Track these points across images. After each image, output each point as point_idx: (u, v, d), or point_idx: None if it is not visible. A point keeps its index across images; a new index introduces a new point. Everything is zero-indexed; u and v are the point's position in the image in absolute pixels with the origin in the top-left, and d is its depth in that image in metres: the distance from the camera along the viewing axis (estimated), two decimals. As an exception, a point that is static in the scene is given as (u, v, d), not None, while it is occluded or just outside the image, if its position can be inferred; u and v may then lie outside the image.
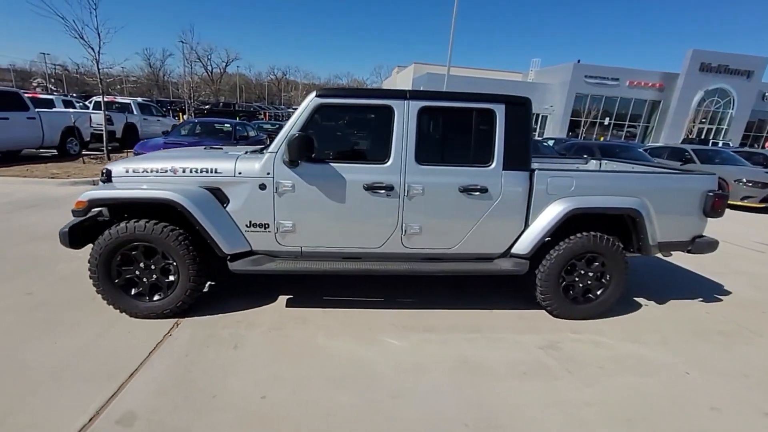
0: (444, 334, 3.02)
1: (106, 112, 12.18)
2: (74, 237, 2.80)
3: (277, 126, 15.10)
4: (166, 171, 2.91)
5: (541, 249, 3.19)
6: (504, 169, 3.05)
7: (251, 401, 2.18)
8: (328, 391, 2.30)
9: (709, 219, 3.43)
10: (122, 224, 2.75)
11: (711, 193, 3.31)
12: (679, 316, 3.55)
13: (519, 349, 2.87)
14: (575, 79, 33.67)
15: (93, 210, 3.03)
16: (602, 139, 32.50)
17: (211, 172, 2.90)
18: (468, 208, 3.05)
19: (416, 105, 2.93)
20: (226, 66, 75.50)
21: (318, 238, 3.05)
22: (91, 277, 2.81)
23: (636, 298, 3.88)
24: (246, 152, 3.15)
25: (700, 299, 3.95)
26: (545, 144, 10.53)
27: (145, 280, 2.89)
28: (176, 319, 2.95)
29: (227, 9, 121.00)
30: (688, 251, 3.46)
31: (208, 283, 3.60)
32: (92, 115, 11.66)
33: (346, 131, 3.14)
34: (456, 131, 3.12)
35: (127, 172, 2.93)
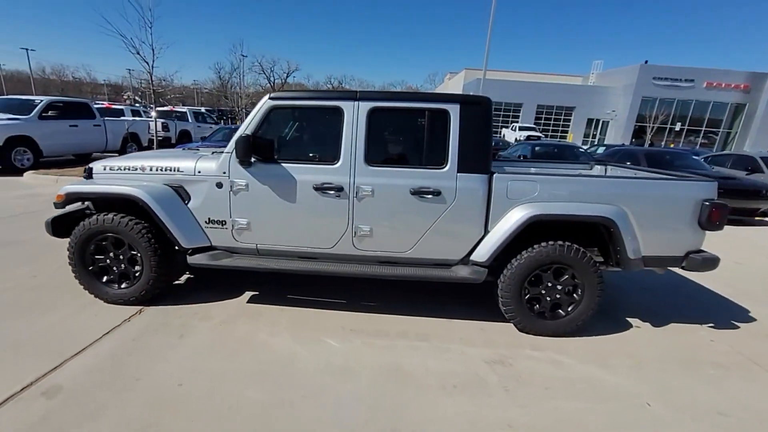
0: (390, 339, 2.94)
1: (164, 120, 13.50)
2: (57, 227, 3.14)
3: None
4: (137, 169, 3.16)
5: (504, 257, 3.00)
6: (459, 171, 2.92)
7: (167, 387, 2.28)
8: (244, 385, 2.34)
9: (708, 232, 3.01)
10: (94, 216, 3.03)
11: (707, 203, 2.90)
12: (671, 342, 3.13)
13: (462, 362, 2.71)
14: (642, 81, 31.16)
15: (83, 203, 3.39)
16: (672, 146, 29.61)
17: (174, 170, 3.11)
18: (420, 211, 2.96)
19: (366, 106, 2.91)
20: (287, 77, 79.71)
21: (272, 237, 3.12)
22: (69, 264, 3.13)
23: (630, 318, 3.49)
24: (213, 152, 3.33)
25: (710, 324, 3.45)
26: (580, 150, 9.82)
27: (115, 268, 3.15)
28: (141, 307, 3.17)
29: (288, 21, 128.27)
30: (682, 268, 3.06)
31: (186, 276, 3.83)
32: (150, 123, 12.89)
33: (299, 132, 3.20)
34: (408, 132, 3.05)
35: (104, 169, 3.23)
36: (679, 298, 4.03)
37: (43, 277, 3.65)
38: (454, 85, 49.63)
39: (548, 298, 3.06)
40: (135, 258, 3.12)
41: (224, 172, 3.03)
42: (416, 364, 2.65)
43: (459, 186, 2.92)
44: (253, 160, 2.97)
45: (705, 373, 2.75)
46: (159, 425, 2.00)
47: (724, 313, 3.70)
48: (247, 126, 2.98)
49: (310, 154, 3.11)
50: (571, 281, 3.02)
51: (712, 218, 2.90)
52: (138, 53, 9.96)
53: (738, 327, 3.46)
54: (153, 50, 10.09)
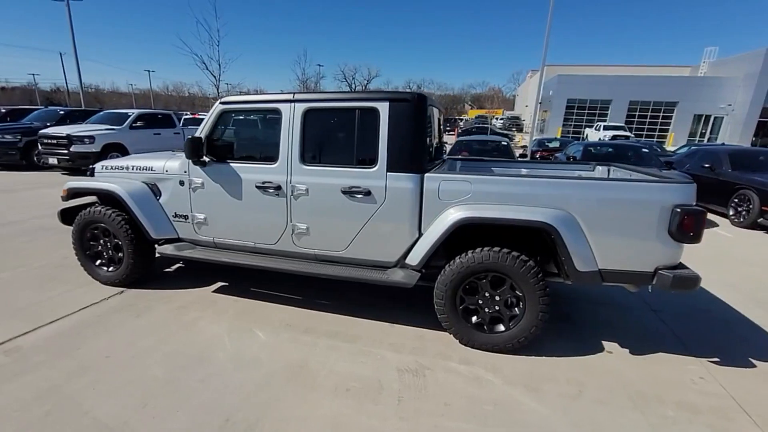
0: (316, 337, 2.96)
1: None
2: (65, 217, 3.74)
3: None
4: (123, 168, 3.64)
5: (447, 262, 2.84)
6: (388, 170, 2.83)
7: (95, 358, 2.61)
8: (156, 363, 2.57)
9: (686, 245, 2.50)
10: (88, 209, 3.56)
11: (679, 209, 2.41)
12: (641, 374, 2.64)
13: (374, 367, 2.62)
14: (769, 68, 26.03)
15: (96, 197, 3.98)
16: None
17: (148, 169, 3.51)
18: (351, 210, 2.93)
19: (301, 107, 2.98)
20: (368, 83, 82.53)
21: (225, 231, 3.35)
22: (73, 248, 3.71)
23: (608, 342, 3.02)
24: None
25: (715, 359, 2.83)
26: (644, 150, 8.54)
27: (105, 254, 3.66)
28: (123, 288, 3.63)
29: (367, 28, 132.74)
30: (652, 287, 2.57)
31: (177, 265, 4.27)
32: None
33: (246, 134, 3.37)
34: (341, 132, 3.04)
35: (102, 168, 3.77)
36: (694, 325, 3.36)
37: (71, 259, 4.34)
38: (535, 82, 46.76)
39: (486, 310, 2.80)
40: (119, 245, 3.58)
41: (185, 171, 3.34)
42: (324, 364, 2.63)
43: (389, 186, 2.84)
44: (207, 159, 3.23)
45: (659, 413, 2.28)
46: (63, 387, 2.30)
47: (746, 349, 3.00)
48: (201, 129, 3.25)
49: (255, 155, 3.27)
50: (510, 292, 2.73)
51: (683, 227, 2.40)
52: (207, 68, 11.29)
53: (754, 366, 2.79)
54: (219, 65, 11.36)
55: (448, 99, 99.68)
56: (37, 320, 3.03)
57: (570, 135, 32.19)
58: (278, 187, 3.06)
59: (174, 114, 12.97)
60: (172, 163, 3.42)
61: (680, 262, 2.63)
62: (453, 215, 2.69)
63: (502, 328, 2.80)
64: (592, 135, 26.56)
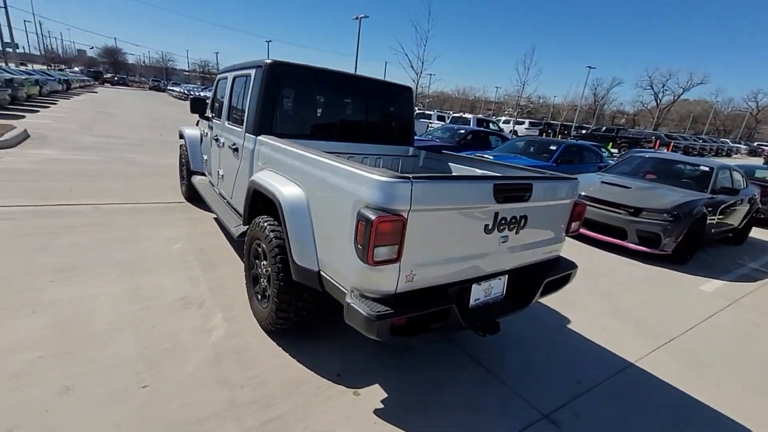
0: (196, 257, 3.64)
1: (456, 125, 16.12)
2: (182, 149, 5.78)
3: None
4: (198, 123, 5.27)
5: None
6: (246, 132, 3.12)
7: (97, 222, 4.23)
8: (108, 234, 3.94)
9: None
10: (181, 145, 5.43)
11: (361, 219, 1.66)
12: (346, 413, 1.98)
13: (181, 288, 3.09)
14: None
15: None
16: None
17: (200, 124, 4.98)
18: (231, 164, 3.41)
19: (232, 74, 3.62)
20: (683, 92, 65.80)
21: (210, 170, 4.43)
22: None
23: (391, 385, 2.30)
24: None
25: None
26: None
27: (183, 176, 5.48)
28: (186, 201, 5.36)
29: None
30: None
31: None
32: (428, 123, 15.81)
33: (221, 97, 4.17)
34: (241, 96, 3.44)
35: (198, 121, 5.55)
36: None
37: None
38: None
39: (262, 281, 2.71)
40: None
41: (206, 123, 4.61)
42: (162, 272, 3.31)
43: (245, 145, 3.13)
44: (211, 116, 4.37)
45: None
46: (51, 228, 3.98)
47: None
48: (211, 93, 4.39)
49: (220, 114, 4.10)
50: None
51: (355, 235, 1.65)
52: (411, 65, 12.78)
53: None
54: (422, 63, 12.62)
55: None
56: (123, 200, 5.07)
57: None
58: (218, 139, 3.85)
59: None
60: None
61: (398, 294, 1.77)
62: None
63: (265, 303, 2.65)
64: None
